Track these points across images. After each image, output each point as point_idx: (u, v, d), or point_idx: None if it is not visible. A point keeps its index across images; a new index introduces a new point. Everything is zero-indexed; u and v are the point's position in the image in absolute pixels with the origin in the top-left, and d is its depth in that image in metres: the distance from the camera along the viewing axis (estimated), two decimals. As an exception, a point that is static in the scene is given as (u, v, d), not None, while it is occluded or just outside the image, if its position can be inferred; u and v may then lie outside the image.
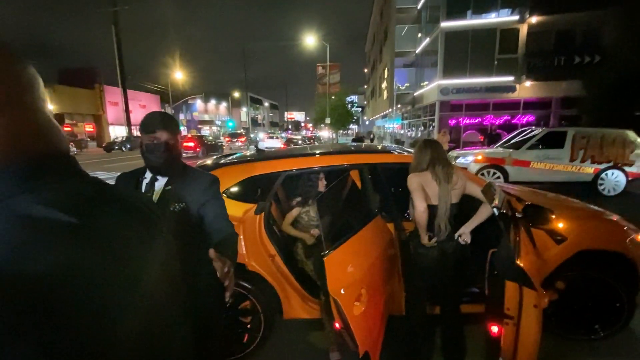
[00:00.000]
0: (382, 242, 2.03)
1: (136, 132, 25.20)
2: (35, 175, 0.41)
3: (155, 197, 1.36)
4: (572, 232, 2.27)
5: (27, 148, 0.42)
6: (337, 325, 1.59)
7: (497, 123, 15.56)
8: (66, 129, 26.96)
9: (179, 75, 33.30)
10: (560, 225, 2.30)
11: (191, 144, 18.55)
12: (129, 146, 24.58)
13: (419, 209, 1.93)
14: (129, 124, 23.40)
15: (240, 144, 22.08)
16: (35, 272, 0.33)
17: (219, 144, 22.41)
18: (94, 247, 0.40)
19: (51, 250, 0.35)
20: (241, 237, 2.22)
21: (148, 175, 1.41)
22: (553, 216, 2.22)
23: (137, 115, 32.55)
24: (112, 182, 0.93)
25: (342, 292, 1.46)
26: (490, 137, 12.95)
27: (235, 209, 2.30)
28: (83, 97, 27.82)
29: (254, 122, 66.43)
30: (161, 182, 1.39)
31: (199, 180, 1.42)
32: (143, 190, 1.38)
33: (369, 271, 1.71)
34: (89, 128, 29.66)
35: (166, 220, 1.19)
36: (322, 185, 2.67)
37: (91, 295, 0.37)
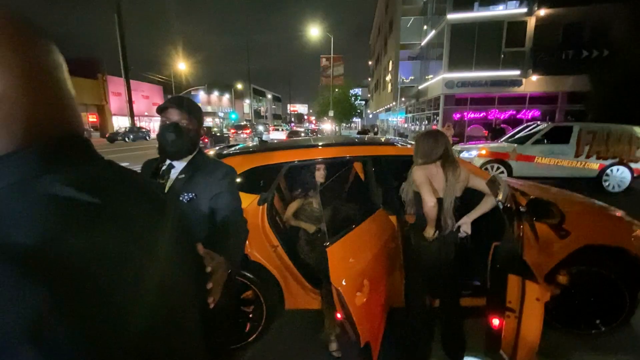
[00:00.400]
0: (385, 235, 2.03)
1: (139, 123, 25.24)
2: (59, 156, 0.41)
3: (169, 184, 1.34)
4: (575, 227, 2.25)
5: (52, 127, 0.42)
6: (338, 315, 1.60)
7: (502, 117, 15.44)
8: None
9: (182, 66, 33.17)
10: (564, 219, 2.29)
11: None
12: (131, 137, 24.64)
13: (429, 203, 1.88)
14: (131, 114, 23.43)
15: (245, 136, 22.35)
16: (69, 251, 0.34)
17: (226, 135, 23.05)
18: (117, 227, 0.41)
19: (81, 230, 0.36)
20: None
21: (168, 161, 1.38)
22: (556, 210, 2.20)
23: (140, 106, 32.54)
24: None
25: (344, 282, 1.46)
26: (495, 132, 12.85)
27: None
28: (86, 87, 27.81)
29: (257, 114, 66.26)
30: (177, 169, 1.36)
31: (215, 171, 1.39)
32: (161, 176, 1.36)
33: (371, 263, 1.71)
34: (92, 118, 29.72)
35: (173, 208, 1.21)
36: (319, 176, 2.67)
37: (116, 273, 0.37)
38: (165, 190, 1.30)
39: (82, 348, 0.31)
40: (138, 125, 27.88)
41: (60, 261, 0.32)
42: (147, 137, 25.76)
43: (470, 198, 2.15)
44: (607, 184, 7.42)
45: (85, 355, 0.31)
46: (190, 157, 1.40)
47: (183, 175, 1.34)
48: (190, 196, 1.32)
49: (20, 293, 0.29)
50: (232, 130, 23.73)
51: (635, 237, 2.31)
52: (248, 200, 2.32)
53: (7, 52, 0.38)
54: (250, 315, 2.33)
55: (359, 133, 20.03)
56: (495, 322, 1.81)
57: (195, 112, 1.35)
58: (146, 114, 32.94)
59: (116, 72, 25.31)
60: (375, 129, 21.92)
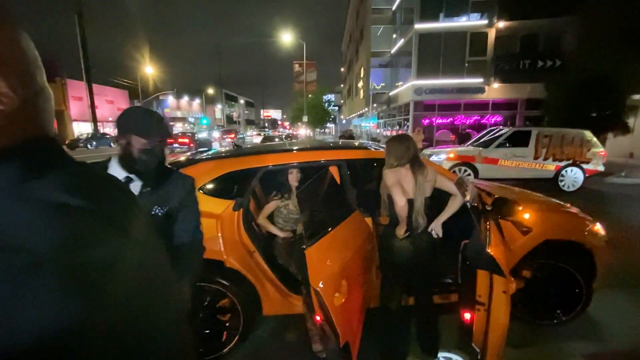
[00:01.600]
0: (361, 236, 2.06)
1: (103, 129, 23.99)
2: (43, 159, 0.39)
3: None
4: (536, 224, 2.41)
5: (34, 128, 0.40)
6: (317, 317, 1.60)
7: (467, 122, 16.24)
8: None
9: (149, 69, 31.98)
10: (526, 217, 2.44)
11: (186, 140, 21.33)
12: (94, 143, 23.33)
13: (400, 203, 1.96)
14: (94, 120, 22.20)
15: (230, 140, 22.58)
16: (77, 259, 0.33)
17: (210, 140, 23.69)
18: (113, 231, 0.39)
19: (85, 238, 0.35)
20: (219, 234, 2.18)
21: (119, 174, 1.31)
22: (519, 209, 2.35)
23: (104, 111, 30.90)
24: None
25: (322, 284, 1.47)
26: (461, 137, 13.54)
27: (213, 206, 2.26)
28: (43, 91, 26.04)
29: (229, 120, 65.10)
30: (137, 183, 1.32)
31: (180, 183, 1.38)
32: None
33: (349, 264, 1.74)
34: (50, 124, 27.81)
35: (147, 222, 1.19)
36: (293, 179, 2.69)
37: (119, 275, 0.37)
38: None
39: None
40: (101, 132, 26.52)
41: (72, 268, 0.32)
42: (112, 144, 24.53)
43: (440, 198, 2.25)
44: (562, 183, 7.99)
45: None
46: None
47: (149, 189, 1.31)
48: (165, 209, 1.31)
49: (38, 300, 0.29)
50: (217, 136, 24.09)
51: (589, 232, 2.51)
52: (223, 206, 2.27)
53: None
54: (227, 324, 2.27)
55: (341, 137, 20.38)
56: (467, 316, 1.89)
57: (169, 132, 1.34)
58: (110, 119, 31.29)
59: (77, 76, 23.96)
60: (352, 134, 22.52)
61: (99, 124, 23.37)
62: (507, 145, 8.08)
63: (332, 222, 1.85)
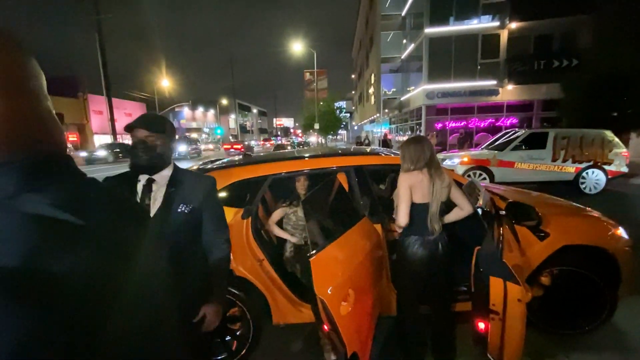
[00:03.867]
0: (370, 243, 2.03)
1: (122, 141, 24.78)
2: (40, 173, 0.40)
3: (153, 199, 1.36)
4: (554, 229, 2.32)
5: (30, 141, 0.41)
6: (325, 327, 1.58)
7: (482, 126, 15.94)
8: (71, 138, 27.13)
9: (165, 83, 32.94)
10: (543, 222, 2.35)
11: (239, 146, 29.88)
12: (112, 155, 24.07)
13: (401, 219, 1.98)
14: (114, 132, 22.98)
15: (269, 145, 29.02)
16: (50, 271, 0.33)
17: (252, 146, 32.38)
18: (99, 247, 0.40)
19: (64, 252, 0.35)
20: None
21: (143, 177, 1.39)
22: (535, 213, 2.27)
23: (123, 124, 31.89)
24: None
25: (329, 292, 1.45)
26: (460, 140, 13.01)
27: (222, 214, 2.28)
28: (66, 106, 27.17)
29: (243, 129, 66.13)
30: (160, 183, 1.39)
31: (198, 183, 1.44)
32: (139, 193, 1.38)
33: (356, 272, 1.71)
34: (73, 137, 28.97)
35: (160, 221, 1.26)
36: (300, 187, 2.70)
37: (96, 292, 0.37)
38: (153, 204, 1.35)
39: None
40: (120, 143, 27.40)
41: (41, 282, 0.32)
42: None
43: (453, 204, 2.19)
44: (583, 186, 7.69)
45: None
46: (170, 170, 1.43)
47: (173, 189, 1.38)
48: (190, 207, 1.37)
49: (4, 315, 0.28)
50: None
51: (612, 236, 2.39)
52: (231, 214, 2.29)
53: None
54: (237, 333, 2.27)
55: (357, 144, 20.45)
56: (481, 325, 1.82)
57: (160, 128, 1.37)
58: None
59: (97, 91, 24.91)
60: (367, 141, 22.24)
61: (118, 135, 24.18)
62: (524, 147, 7.86)
63: (338, 230, 1.83)
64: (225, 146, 32.24)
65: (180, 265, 1.34)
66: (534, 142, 7.83)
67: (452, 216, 2.11)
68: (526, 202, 2.40)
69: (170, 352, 0.53)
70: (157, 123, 1.38)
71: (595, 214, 2.62)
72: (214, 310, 1.38)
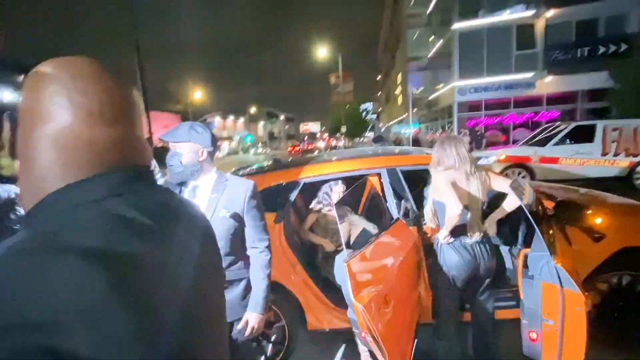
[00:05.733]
0: (406, 247, 1.96)
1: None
2: (126, 183, 0.50)
3: (203, 204, 1.41)
4: (610, 229, 2.11)
5: (124, 158, 0.51)
6: (362, 334, 1.53)
7: (518, 121, 15.06)
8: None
9: (198, 94, 34.50)
10: (598, 221, 2.15)
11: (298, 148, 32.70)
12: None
13: (455, 211, 1.75)
14: (151, 144, 24.37)
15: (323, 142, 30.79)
16: (124, 253, 0.41)
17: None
18: (163, 244, 0.48)
19: (136, 241, 0.44)
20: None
21: (189, 183, 1.46)
22: (588, 212, 2.08)
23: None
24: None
25: (366, 299, 1.40)
26: (476, 139, 11.46)
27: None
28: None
29: (271, 136, 67.51)
30: (205, 189, 1.45)
31: (240, 187, 1.47)
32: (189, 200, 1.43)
33: (394, 277, 1.65)
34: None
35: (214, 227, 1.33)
36: (334, 193, 2.61)
37: (157, 279, 0.45)
38: (204, 206, 1.41)
39: (127, 334, 0.36)
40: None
41: (115, 261, 0.39)
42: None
43: (494, 204, 2.06)
44: (639, 182, 7.01)
45: (129, 342, 0.36)
46: (214, 176, 1.48)
47: (216, 194, 1.42)
48: (232, 212, 1.41)
49: (81, 280, 0.36)
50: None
51: (680, 236, 2.13)
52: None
53: (79, 92, 0.47)
54: (272, 338, 2.27)
55: (374, 141, 18.56)
56: (533, 335, 1.68)
57: (195, 137, 1.40)
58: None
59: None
60: (397, 141, 19.63)
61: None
62: (568, 141, 7.32)
63: (373, 234, 1.77)
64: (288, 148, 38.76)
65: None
66: (580, 135, 7.28)
67: (497, 214, 1.97)
68: (576, 200, 2.21)
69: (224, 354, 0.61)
70: (192, 132, 1.42)
71: (658, 211, 2.36)
72: (258, 318, 1.40)
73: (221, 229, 1.37)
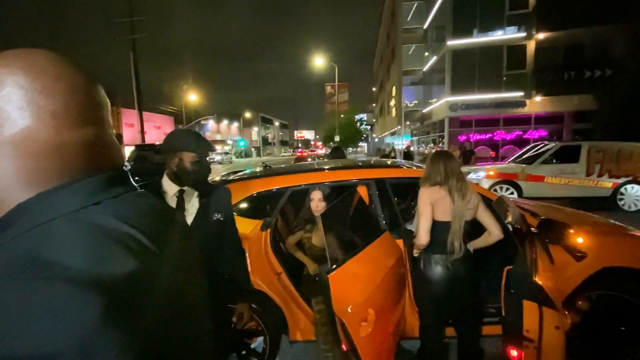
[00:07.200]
0: (391, 260, 1.95)
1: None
2: (103, 189, 0.47)
3: (192, 209, 1.50)
4: (593, 248, 2.15)
5: (98, 162, 0.48)
6: (343, 346, 1.51)
7: (508, 138, 15.39)
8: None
9: (192, 97, 34.38)
10: (580, 240, 2.19)
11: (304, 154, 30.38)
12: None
13: (421, 237, 1.88)
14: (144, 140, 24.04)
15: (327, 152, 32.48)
16: (112, 272, 0.38)
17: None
18: (152, 256, 0.45)
19: (122, 255, 0.40)
20: (247, 254, 2.18)
21: (172, 189, 1.49)
22: (571, 231, 2.12)
23: (152, 136, 33.48)
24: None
25: (349, 310, 1.39)
26: (464, 155, 11.16)
27: (242, 225, 2.27)
28: (101, 119, 28.87)
29: (265, 141, 67.45)
30: (192, 195, 1.53)
31: (223, 193, 1.61)
32: (177, 205, 1.49)
33: (377, 290, 1.64)
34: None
35: (208, 229, 1.50)
36: (315, 207, 2.39)
37: (148, 294, 0.41)
38: (194, 214, 1.49)
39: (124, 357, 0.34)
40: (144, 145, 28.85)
41: (104, 283, 0.36)
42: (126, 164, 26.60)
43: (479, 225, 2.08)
44: (622, 202, 7.19)
45: None
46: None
47: (205, 199, 1.52)
48: (222, 215, 1.54)
49: (69, 307, 0.33)
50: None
51: (659, 258, 2.18)
52: (251, 226, 2.28)
53: (39, 91, 0.43)
54: (253, 347, 2.22)
55: (382, 157, 17.80)
56: (514, 353, 1.68)
57: (207, 144, 1.56)
58: (157, 143, 33.78)
59: (129, 104, 26.28)
60: (393, 154, 19.41)
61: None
62: (554, 161, 7.50)
63: (358, 245, 1.77)
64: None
65: (211, 269, 1.46)
66: (566, 155, 7.45)
67: (480, 242, 2.00)
68: (560, 219, 2.25)
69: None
70: (208, 141, 1.58)
71: (638, 233, 2.41)
72: (246, 307, 1.60)
73: (212, 231, 1.49)
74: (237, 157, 52.50)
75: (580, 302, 2.13)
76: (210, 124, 53.04)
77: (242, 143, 52.24)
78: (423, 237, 1.88)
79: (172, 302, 0.45)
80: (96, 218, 0.43)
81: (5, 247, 0.39)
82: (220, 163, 33.23)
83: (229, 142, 56.11)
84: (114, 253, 0.40)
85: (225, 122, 57.70)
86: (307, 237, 2.50)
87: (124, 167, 0.54)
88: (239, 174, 2.95)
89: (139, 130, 23.29)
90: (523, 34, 14.26)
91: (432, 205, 1.89)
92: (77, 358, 0.31)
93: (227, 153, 41.47)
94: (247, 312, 1.60)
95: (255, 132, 63.00)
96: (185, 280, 0.52)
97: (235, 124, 59.76)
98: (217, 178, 2.89)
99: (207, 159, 1.55)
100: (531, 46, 14.39)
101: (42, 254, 0.37)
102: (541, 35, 13.93)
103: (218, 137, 55.89)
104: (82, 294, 0.34)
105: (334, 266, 1.48)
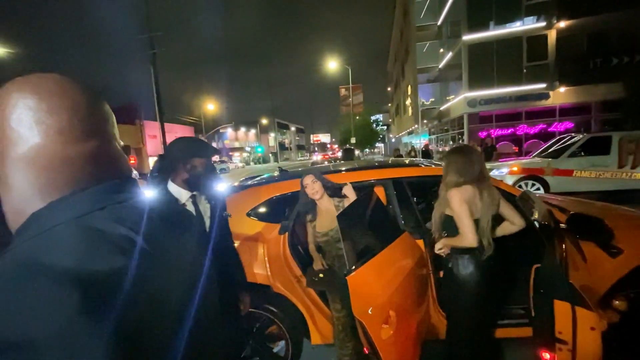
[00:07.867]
0: (412, 260, 1.91)
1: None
2: (108, 195, 0.50)
3: (208, 212, 1.60)
4: (629, 244, 2.02)
5: (103, 172, 0.52)
6: (365, 350, 1.48)
7: (531, 132, 14.80)
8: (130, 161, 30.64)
9: (210, 107, 35.26)
10: (614, 235, 2.06)
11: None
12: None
13: (469, 238, 1.72)
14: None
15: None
16: (100, 270, 0.41)
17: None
18: (149, 258, 0.48)
19: (115, 256, 0.44)
20: (266, 258, 2.19)
21: (184, 195, 1.53)
22: (604, 226, 2.00)
23: (173, 146, 34.49)
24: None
25: (369, 312, 1.36)
26: (486, 151, 11.04)
27: (260, 230, 2.29)
28: (126, 132, 29.96)
29: (282, 146, 68.11)
30: (202, 197, 1.61)
31: (220, 195, 1.69)
32: (194, 209, 1.56)
33: (398, 291, 1.60)
34: (132, 161, 31.87)
35: (222, 225, 1.66)
36: (311, 190, 2.20)
37: (135, 294, 0.43)
38: (208, 213, 1.59)
39: (100, 353, 0.36)
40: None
41: (89, 281, 0.39)
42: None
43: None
44: (660, 195, 6.75)
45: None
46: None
47: (214, 201, 1.62)
48: (229, 214, 1.70)
49: (49, 300, 0.36)
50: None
51: None
52: (270, 230, 2.30)
53: (45, 111, 0.47)
54: (274, 351, 2.23)
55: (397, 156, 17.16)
56: (546, 356, 1.60)
57: (213, 149, 1.68)
58: (178, 153, 34.68)
59: (151, 117, 27.25)
60: (413, 153, 18.47)
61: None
62: (583, 153, 7.14)
63: (377, 246, 1.74)
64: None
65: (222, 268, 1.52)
66: (595, 147, 7.08)
67: (500, 231, 1.91)
68: (591, 213, 2.13)
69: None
70: (214, 148, 1.71)
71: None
72: (246, 295, 1.75)
73: (223, 226, 1.64)
74: (255, 163, 53.25)
75: (617, 302, 2.00)
76: (229, 131, 54.14)
77: (259, 149, 53.05)
78: (473, 239, 1.73)
79: (160, 298, 0.48)
80: (97, 222, 0.46)
81: (13, 251, 0.43)
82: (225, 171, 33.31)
83: (247, 148, 57.07)
84: (103, 252, 0.43)
85: (242, 129, 58.77)
86: (313, 226, 2.33)
87: (130, 176, 0.58)
88: (257, 178, 2.98)
89: (162, 141, 24.15)
90: (543, 24, 13.73)
91: (467, 204, 1.80)
92: (57, 345, 0.34)
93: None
94: (247, 299, 1.74)
95: (272, 137, 63.75)
96: (181, 280, 0.54)
97: (253, 131, 60.74)
98: (236, 183, 2.94)
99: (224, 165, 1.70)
100: (552, 35, 13.83)
101: (38, 256, 0.40)
102: (562, 24, 13.37)
103: (236, 144, 56.95)
104: (63, 289, 0.37)
105: (353, 267, 1.46)
